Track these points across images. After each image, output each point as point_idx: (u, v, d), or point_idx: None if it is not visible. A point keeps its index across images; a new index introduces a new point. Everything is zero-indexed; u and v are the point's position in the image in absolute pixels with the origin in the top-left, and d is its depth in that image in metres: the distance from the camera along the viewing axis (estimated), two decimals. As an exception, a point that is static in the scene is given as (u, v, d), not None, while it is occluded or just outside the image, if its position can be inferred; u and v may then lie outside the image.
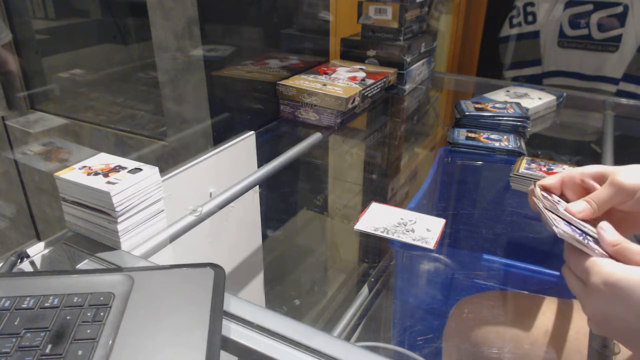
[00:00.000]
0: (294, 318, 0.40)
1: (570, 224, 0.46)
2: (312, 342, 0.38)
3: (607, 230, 0.43)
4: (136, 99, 1.00)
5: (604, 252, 0.42)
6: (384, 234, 0.68)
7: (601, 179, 0.48)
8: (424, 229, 0.69)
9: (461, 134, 0.93)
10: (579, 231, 0.45)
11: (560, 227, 0.44)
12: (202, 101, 0.79)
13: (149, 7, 0.78)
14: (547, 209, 0.48)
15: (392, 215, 0.72)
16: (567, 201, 0.51)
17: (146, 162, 0.53)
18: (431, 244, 0.66)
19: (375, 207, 0.74)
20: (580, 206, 0.47)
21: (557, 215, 0.47)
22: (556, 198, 0.51)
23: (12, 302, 0.38)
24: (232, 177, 0.70)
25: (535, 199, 0.50)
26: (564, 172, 0.51)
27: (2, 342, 0.34)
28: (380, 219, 0.71)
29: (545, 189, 0.52)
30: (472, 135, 0.92)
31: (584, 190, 0.50)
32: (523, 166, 0.81)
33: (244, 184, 0.69)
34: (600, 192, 0.47)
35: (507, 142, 0.90)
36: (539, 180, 0.53)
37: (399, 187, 1.24)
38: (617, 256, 0.42)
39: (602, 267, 0.40)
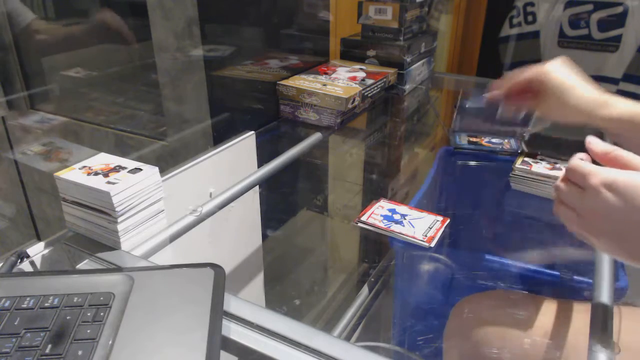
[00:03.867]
0: (294, 318, 0.40)
1: None
2: (312, 342, 0.38)
3: (594, 143, 0.45)
4: (136, 99, 1.00)
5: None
6: (383, 230, 0.68)
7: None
8: (424, 226, 0.69)
9: (463, 138, 0.93)
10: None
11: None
12: (202, 101, 0.79)
13: (149, 7, 0.78)
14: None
15: (395, 211, 0.73)
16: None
17: (146, 162, 0.53)
18: (427, 241, 0.66)
19: (380, 204, 0.75)
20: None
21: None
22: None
23: (12, 302, 0.38)
24: (232, 177, 0.70)
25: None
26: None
27: (2, 342, 0.34)
28: (383, 215, 0.72)
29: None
30: (474, 139, 0.93)
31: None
32: (521, 160, 0.82)
33: (244, 184, 0.68)
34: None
35: (508, 145, 0.91)
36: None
37: (399, 187, 1.24)
38: (611, 164, 0.43)
39: (600, 170, 0.41)
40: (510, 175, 0.81)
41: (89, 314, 0.37)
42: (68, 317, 0.37)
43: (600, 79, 1.45)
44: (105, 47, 1.04)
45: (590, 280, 0.52)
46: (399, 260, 0.84)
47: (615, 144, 0.46)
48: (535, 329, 0.61)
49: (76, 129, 1.00)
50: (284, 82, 0.89)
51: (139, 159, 0.54)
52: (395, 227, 0.69)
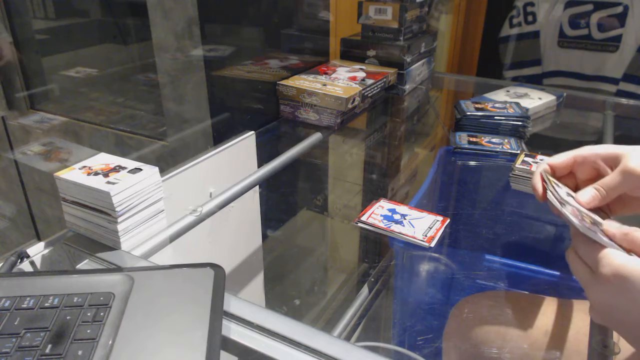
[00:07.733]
0: (294, 318, 0.40)
1: (579, 211, 0.45)
2: (312, 342, 0.38)
3: (610, 225, 0.43)
4: (136, 99, 1.00)
5: (613, 243, 0.42)
6: (383, 230, 0.68)
7: (613, 162, 0.47)
8: (424, 226, 0.69)
9: (463, 139, 0.93)
10: (589, 219, 0.44)
11: (568, 214, 0.44)
12: (202, 101, 0.79)
13: (149, 7, 0.78)
14: (554, 194, 0.47)
15: (395, 211, 0.73)
16: (577, 181, 0.50)
17: (146, 162, 0.53)
18: (427, 241, 0.66)
19: (380, 204, 0.75)
20: (589, 195, 0.47)
21: (564, 201, 0.46)
22: (563, 188, 0.50)
23: (12, 302, 0.38)
24: (232, 177, 0.70)
25: (542, 182, 0.49)
26: (576, 152, 0.50)
27: (2, 342, 0.34)
28: (383, 215, 0.72)
29: (553, 169, 0.51)
30: (474, 139, 0.93)
31: (595, 172, 0.49)
32: (521, 160, 0.81)
33: (244, 184, 0.68)
34: (610, 179, 0.46)
35: (508, 145, 0.91)
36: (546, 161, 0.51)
37: (399, 187, 1.24)
38: (628, 245, 0.41)
39: (614, 258, 0.40)
40: (510, 175, 0.80)
41: (89, 314, 0.37)
42: (68, 317, 0.37)
43: (600, 79, 1.45)
44: (105, 47, 1.05)
45: (590, 280, 0.52)
46: (399, 260, 0.84)
47: None
48: (535, 329, 0.61)
49: (76, 129, 1.00)
50: (284, 82, 0.89)
51: (139, 159, 0.54)
52: (395, 227, 0.69)
